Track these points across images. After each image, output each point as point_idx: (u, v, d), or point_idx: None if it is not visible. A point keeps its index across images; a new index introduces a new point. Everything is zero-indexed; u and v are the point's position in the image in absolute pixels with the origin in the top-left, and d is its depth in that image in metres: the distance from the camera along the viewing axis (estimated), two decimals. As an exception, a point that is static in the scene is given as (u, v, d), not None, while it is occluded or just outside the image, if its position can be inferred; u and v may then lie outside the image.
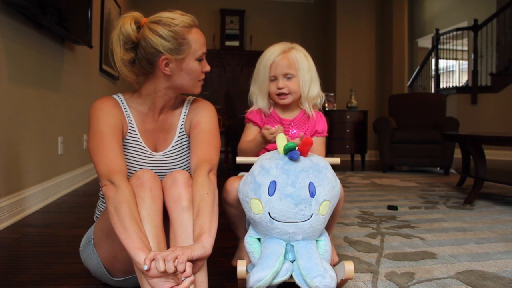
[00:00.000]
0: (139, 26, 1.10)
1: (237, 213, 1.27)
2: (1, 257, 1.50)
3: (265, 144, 1.30)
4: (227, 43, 6.27)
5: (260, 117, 1.40)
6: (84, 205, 2.43)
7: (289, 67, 1.31)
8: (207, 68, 1.18)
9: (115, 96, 1.19)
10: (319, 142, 1.40)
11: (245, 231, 1.38)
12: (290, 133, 1.40)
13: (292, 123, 1.40)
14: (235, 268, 1.31)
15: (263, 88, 1.35)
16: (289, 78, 1.32)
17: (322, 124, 1.42)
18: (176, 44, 1.09)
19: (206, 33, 6.45)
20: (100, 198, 1.22)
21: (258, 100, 1.38)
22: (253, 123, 1.40)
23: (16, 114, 2.06)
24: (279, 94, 1.34)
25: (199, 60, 1.14)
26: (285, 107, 1.40)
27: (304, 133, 1.40)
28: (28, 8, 1.94)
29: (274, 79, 1.33)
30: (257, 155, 1.34)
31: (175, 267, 0.82)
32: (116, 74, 4.64)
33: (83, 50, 3.18)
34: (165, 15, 1.11)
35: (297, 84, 1.33)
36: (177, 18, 1.10)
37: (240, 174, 1.34)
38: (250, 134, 1.40)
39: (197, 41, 1.12)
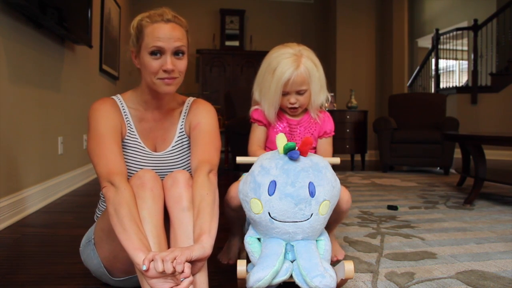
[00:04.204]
0: None
1: (236, 216, 1.28)
2: (1, 257, 1.50)
3: None
4: (227, 43, 6.26)
5: (265, 115, 1.37)
6: (84, 205, 2.43)
7: (302, 84, 1.27)
8: (166, 66, 1.07)
9: (114, 97, 1.20)
10: (327, 142, 1.41)
11: (240, 229, 1.38)
12: (297, 133, 1.39)
13: (299, 124, 1.39)
14: (234, 267, 1.31)
15: (275, 104, 1.31)
16: (301, 93, 1.30)
17: (330, 125, 1.41)
18: (135, 36, 1.10)
19: (206, 33, 6.46)
20: (101, 198, 1.22)
21: (266, 110, 1.34)
22: (259, 123, 1.38)
23: (16, 114, 2.06)
24: (290, 108, 1.33)
25: (153, 54, 1.07)
26: (292, 113, 1.39)
27: (312, 134, 1.39)
28: (28, 8, 1.94)
29: (285, 94, 1.30)
30: None
31: (174, 267, 0.82)
32: (116, 74, 4.64)
33: (83, 50, 3.18)
34: (152, 11, 1.12)
35: (308, 97, 1.32)
36: (152, 12, 1.10)
37: (243, 175, 1.34)
38: (258, 135, 1.39)
39: (151, 34, 1.06)
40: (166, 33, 1.06)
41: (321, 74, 1.31)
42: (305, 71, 1.26)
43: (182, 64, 1.11)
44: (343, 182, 3.42)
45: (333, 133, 1.42)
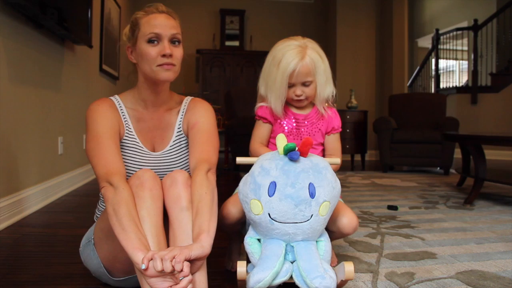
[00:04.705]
0: None
1: (231, 229, 1.28)
2: (1, 257, 1.50)
3: None
4: (227, 43, 6.26)
5: (271, 112, 1.35)
6: (84, 205, 2.43)
7: (308, 75, 1.26)
8: (164, 51, 1.09)
9: (111, 98, 1.21)
10: (335, 138, 1.40)
11: (238, 234, 1.38)
12: (303, 129, 1.37)
13: (306, 119, 1.37)
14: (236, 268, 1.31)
15: (281, 96, 1.30)
16: (307, 85, 1.29)
17: (337, 121, 1.40)
18: (131, 31, 1.14)
19: (206, 33, 6.45)
20: (101, 198, 1.22)
21: (272, 104, 1.32)
22: (264, 120, 1.36)
23: (16, 114, 2.06)
24: (296, 100, 1.32)
25: (151, 41, 1.09)
26: (298, 106, 1.37)
27: (319, 130, 1.38)
28: (28, 8, 1.94)
29: (291, 85, 1.29)
30: None
31: (173, 266, 0.82)
32: (116, 74, 4.63)
33: (83, 50, 3.18)
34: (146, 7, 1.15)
35: (314, 89, 1.30)
36: (145, 8, 1.14)
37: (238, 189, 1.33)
38: (262, 132, 1.37)
39: (146, 23, 1.10)
40: (161, 21, 1.11)
41: (326, 66, 1.30)
42: (311, 62, 1.25)
43: (179, 51, 1.13)
44: (343, 182, 3.43)
45: (340, 129, 1.41)
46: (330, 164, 1.11)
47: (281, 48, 1.27)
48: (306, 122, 1.37)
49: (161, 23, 1.10)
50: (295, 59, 1.23)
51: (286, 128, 1.36)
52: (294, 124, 1.36)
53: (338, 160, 1.21)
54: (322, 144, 1.40)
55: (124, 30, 1.19)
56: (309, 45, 1.27)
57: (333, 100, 1.39)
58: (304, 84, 1.28)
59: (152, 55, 1.09)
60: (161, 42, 1.10)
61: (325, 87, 1.31)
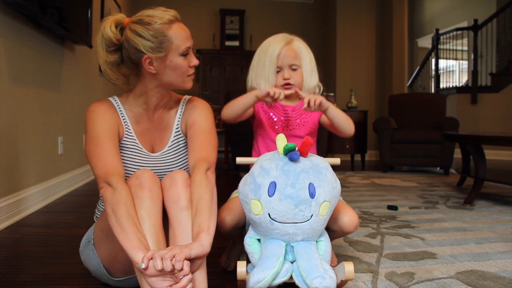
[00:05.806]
0: (122, 28, 1.11)
1: (228, 235, 1.27)
2: (1, 257, 1.50)
3: (253, 104, 1.32)
4: (227, 43, 6.26)
5: (259, 102, 1.38)
6: (84, 205, 2.43)
7: (294, 58, 1.32)
8: (195, 62, 1.15)
9: (110, 99, 1.20)
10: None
11: (237, 238, 1.37)
12: (294, 118, 1.38)
13: (294, 111, 1.39)
14: (234, 267, 1.31)
15: (270, 81, 1.34)
16: (294, 69, 1.34)
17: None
18: (157, 42, 1.07)
19: (206, 33, 6.45)
20: (101, 198, 1.22)
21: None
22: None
23: (16, 114, 2.06)
24: (284, 85, 1.35)
25: (184, 55, 1.12)
26: (286, 96, 1.38)
27: (310, 116, 1.40)
28: (28, 8, 1.94)
29: (279, 70, 1.34)
30: (240, 115, 1.33)
31: (173, 265, 0.82)
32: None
33: (83, 50, 3.18)
34: (145, 13, 1.09)
35: (301, 75, 1.35)
36: (157, 15, 1.08)
37: (235, 193, 1.32)
38: None
39: (178, 36, 1.10)
40: (187, 32, 1.13)
41: (312, 57, 1.37)
42: (297, 47, 1.34)
43: None
44: (343, 182, 3.43)
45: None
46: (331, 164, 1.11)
47: (268, 40, 1.38)
48: (294, 113, 1.39)
49: (188, 35, 1.13)
50: (282, 42, 1.33)
51: (275, 118, 1.39)
52: (282, 118, 1.39)
53: (338, 161, 1.22)
54: (315, 134, 1.44)
55: (140, 40, 1.06)
56: (295, 38, 1.38)
57: (332, 101, 1.42)
58: (291, 67, 1.34)
59: (186, 68, 1.13)
60: (189, 53, 1.14)
61: (311, 76, 1.37)
